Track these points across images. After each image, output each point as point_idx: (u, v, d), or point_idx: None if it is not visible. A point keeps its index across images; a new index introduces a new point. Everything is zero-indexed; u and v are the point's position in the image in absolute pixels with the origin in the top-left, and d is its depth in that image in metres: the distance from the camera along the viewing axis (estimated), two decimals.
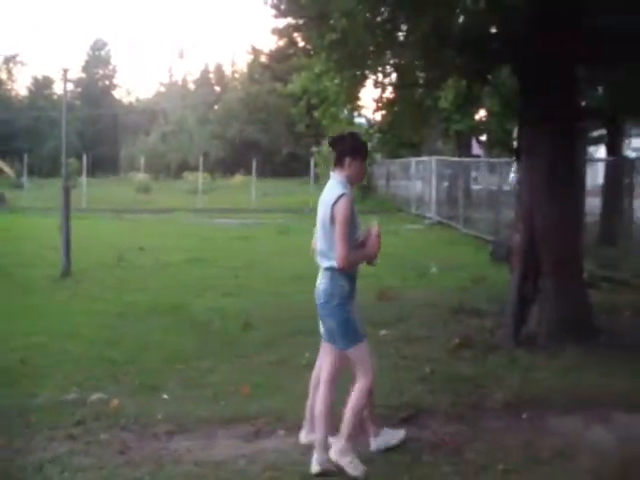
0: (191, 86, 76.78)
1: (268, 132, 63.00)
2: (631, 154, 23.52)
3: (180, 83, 77.64)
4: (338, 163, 4.82)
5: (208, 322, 9.02)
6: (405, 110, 11.00)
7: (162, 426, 5.48)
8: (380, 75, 10.19)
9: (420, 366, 6.95)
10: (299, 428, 5.25)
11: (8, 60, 72.53)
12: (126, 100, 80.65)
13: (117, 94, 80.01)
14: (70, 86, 68.90)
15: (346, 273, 4.67)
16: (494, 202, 18.89)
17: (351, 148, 4.83)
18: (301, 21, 9.71)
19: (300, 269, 12.99)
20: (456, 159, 25.93)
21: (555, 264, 7.93)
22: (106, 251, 15.20)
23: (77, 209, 20.17)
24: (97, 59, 77.05)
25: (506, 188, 18.14)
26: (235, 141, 63.25)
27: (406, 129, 13.24)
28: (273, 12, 9.85)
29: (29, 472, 4.77)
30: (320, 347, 5.06)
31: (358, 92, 11.34)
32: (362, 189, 30.29)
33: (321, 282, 4.74)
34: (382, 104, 11.16)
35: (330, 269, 4.67)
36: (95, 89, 74.98)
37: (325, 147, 35.23)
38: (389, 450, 5.01)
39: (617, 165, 15.58)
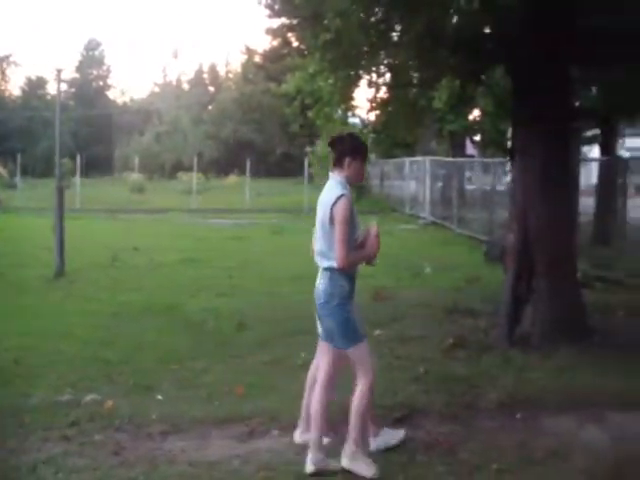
0: (185, 86, 76.75)
1: (262, 132, 63.00)
2: (625, 154, 23.58)
3: (174, 83, 77.63)
4: (337, 163, 4.83)
5: (202, 322, 9.01)
6: (399, 110, 11.02)
7: (156, 426, 5.47)
8: (374, 75, 10.21)
9: (414, 366, 6.95)
10: (293, 428, 5.25)
11: (1, 60, 72.42)
12: (120, 100, 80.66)
13: (111, 94, 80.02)
14: (64, 86, 68.91)
15: (346, 273, 4.68)
16: (488, 202, 18.92)
17: (350, 148, 4.83)
18: (295, 21, 9.70)
19: (294, 269, 13.00)
20: (450, 159, 25.97)
21: (549, 264, 7.94)
22: (100, 251, 15.18)
23: (71, 209, 20.13)
24: (91, 59, 76.92)
25: (500, 188, 18.17)
26: (229, 141, 63.23)
27: (400, 129, 13.27)
28: (267, 12, 9.84)
29: (23, 473, 4.75)
30: (317, 347, 5.05)
31: (352, 92, 11.33)
32: (357, 189, 30.28)
33: (321, 282, 4.74)
34: (376, 104, 11.18)
35: (330, 269, 4.67)
36: (89, 89, 74.88)
37: (319, 147, 35.32)
38: (386, 449, 5.02)
39: (611, 165, 15.63)
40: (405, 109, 10.94)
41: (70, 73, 73.74)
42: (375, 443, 5.05)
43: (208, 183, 44.74)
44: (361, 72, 9.88)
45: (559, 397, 6.13)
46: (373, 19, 8.75)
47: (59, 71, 14.88)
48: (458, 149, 29.18)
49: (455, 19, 8.95)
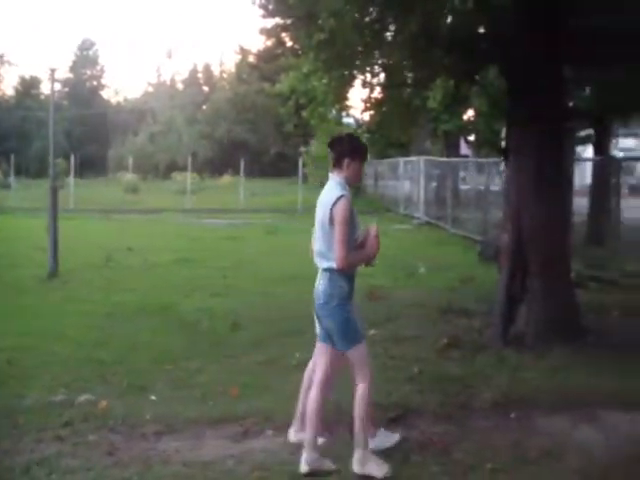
0: (179, 86, 76.65)
1: (256, 132, 62.95)
2: (618, 154, 23.65)
3: (168, 83, 77.51)
4: (337, 164, 4.83)
5: (196, 322, 9.00)
6: (393, 110, 11.02)
7: (150, 427, 5.46)
8: (368, 75, 10.20)
9: (408, 366, 6.96)
10: (287, 428, 5.25)
11: None
12: (114, 100, 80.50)
13: (105, 94, 79.84)
14: (57, 86, 68.73)
15: (345, 274, 4.68)
16: (482, 202, 18.94)
17: (350, 149, 4.84)
18: (289, 21, 9.71)
19: (288, 269, 13.01)
20: (444, 159, 26.00)
21: (543, 264, 7.96)
22: (94, 251, 15.15)
23: (65, 209, 20.07)
24: (85, 59, 76.76)
25: (494, 188, 18.19)
26: (223, 141, 63.17)
27: (394, 129, 13.27)
28: (261, 12, 9.85)
29: (16, 474, 4.73)
30: (315, 347, 5.04)
31: (346, 92, 11.34)
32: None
33: (320, 283, 4.74)
34: (370, 104, 11.17)
35: (329, 270, 4.67)
36: (83, 89, 74.73)
37: (313, 147, 35.37)
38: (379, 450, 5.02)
39: (604, 165, 15.67)
40: (399, 109, 10.94)
41: (64, 73, 73.71)
42: (372, 444, 5.04)
43: (202, 183, 44.69)
44: (355, 72, 9.88)
45: (553, 397, 6.13)
46: (367, 19, 8.76)
47: (53, 71, 14.83)
48: (452, 149, 29.23)
49: (449, 19, 8.96)
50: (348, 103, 22.68)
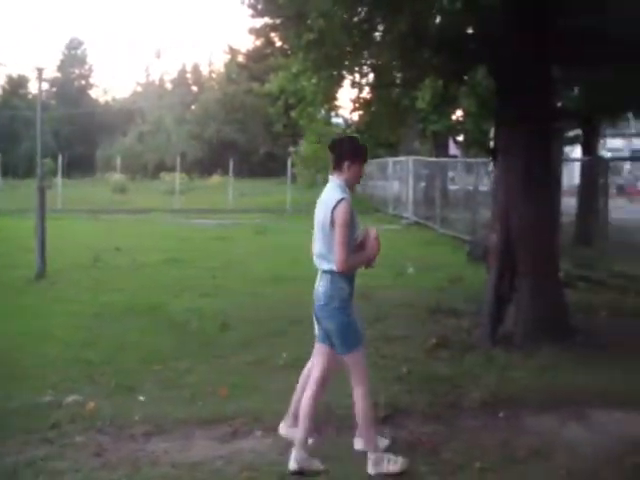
0: (168, 86, 76.50)
1: (245, 132, 62.87)
2: (606, 154, 23.75)
3: (157, 83, 77.38)
4: (337, 167, 4.83)
5: (185, 323, 8.98)
6: (382, 110, 11.04)
7: (139, 427, 5.44)
8: (357, 75, 10.23)
9: (397, 366, 6.96)
10: (277, 428, 5.25)
11: None
12: (102, 100, 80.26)
13: (93, 93, 79.65)
14: (45, 85, 68.37)
15: (345, 275, 4.68)
16: (471, 202, 18.98)
17: (350, 152, 4.84)
18: (278, 21, 9.70)
19: (277, 269, 13.02)
20: (433, 159, 26.02)
21: (531, 264, 7.98)
22: (82, 252, 15.09)
23: (52, 210, 19.99)
24: (73, 58, 76.52)
25: (483, 188, 18.23)
26: (212, 141, 63.06)
27: (383, 129, 13.30)
28: (250, 12, 9.83)
29: (3, 476, 4.70)
30: (314, 348, 5.02)
31: (335, 92, 11.35)
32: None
33: (320, 284, 4.74)
34: (359, 104, 11.19)
35: (330, 272, 4.67)
36: (71, 88, 74.46)
37: (302, 147, 35.35)
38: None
39: (592, 165, 15.73)
40: (388, 109, 10.97)
41: (52, 72, 73.44)
42: (361, 444, 5.05)
43: (191, 183, 44.59)
44: (344, 72, 9.90)
45: (541, 396, 6.16)
46: (356, 19, 8.77)
47: (40, 70, 14.72)
48: (441, 149, 29.26)
49: (438, 19, 8.98)
50: (337, 103, 22.70)
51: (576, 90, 15.54)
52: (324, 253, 4.71)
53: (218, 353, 7.61)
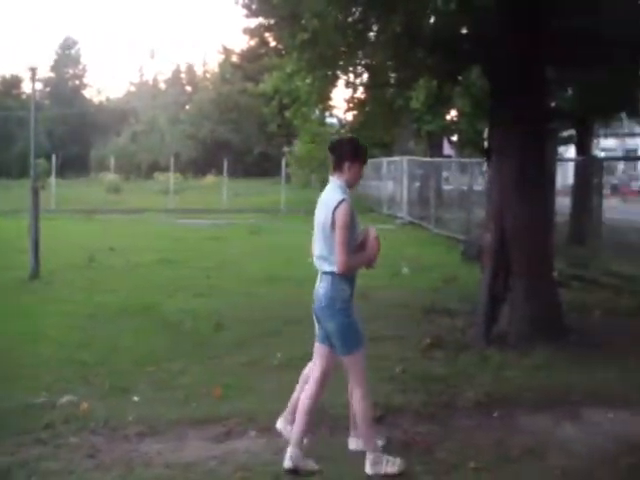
0: (162, 86, 76.43)
1: (239, 132, 62.80)
2: (600, 154, 23.80)
3: (151, 83, 77.29)
4: (337, 168, 4.83)
5: (179, 323, 8.97)
6: (376, 110, 11.05)
7: (132, 428, 5.43)
8: (351, 75, 10.22)
9: (392, 366, 6.96)
10: (271, 428, 5.24)
11: None
12: (96, 100, 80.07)
13: (87, 93, 79.39)
14: (39, 85, 68.25)
15: (346, 276, 4.68)
16: (465, 202, 19.00)
17: (350, 153, 4.84)
18: (272, 21, 9.70)
19: (272, 270, 13.01)
20: (427, 159, 26.04)
21: (525, 263, 7.99)
22: (76, 252, 15.06)
23: (46, 210, 19.95)
24: (67, 58, 76.30)
25: (477, 188, 18.25)
26: (206, 141, 62.98)
27: (377, 129, 13.31)
28: (244, 12, 9.83)
29: None
30: (314, 348, 5.01)
31: (329, 92, 11.35)
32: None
33: (321, 286, 4.73)
34: (353, 104, 11.20)
35: (331, 273, 4.67)
36: (65, 88, 74.27)
37: (297, 147, 35.33)
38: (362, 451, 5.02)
39: (586, 165, 15.75)
40: (382, 109, 10.97)
41: (46, 72, 73.17)
42: (355, 444, 5.05)
43: (185, 183, 44.50)
44: (338, 72, 9.89)
45: (536, 395, 6.17)
46: (350, 19, 8.77)
47: (34, 70, 14.70)
48: (435, 149, 29.28)
49: (432, 19, 8.98)
50: (331, 103, 22.70)
51: (570, 91, 15.57)
52: (325, 255, 4.71)
53: (212, 353, 7.60)
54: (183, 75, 76.55)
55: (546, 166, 9.39)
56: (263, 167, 57.15)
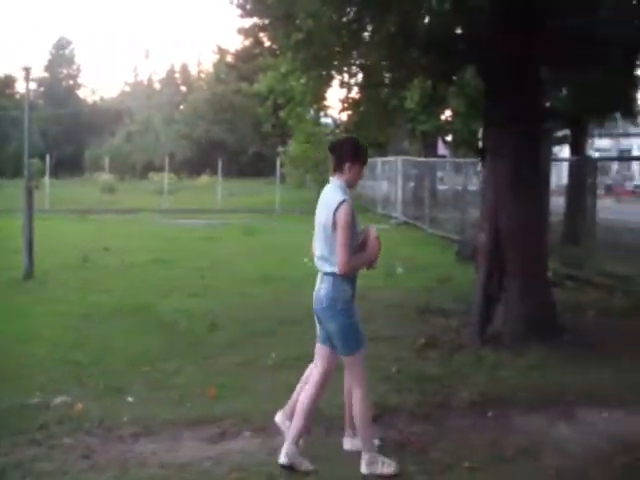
0: (157, 86, 76.32)
1: (234, 132, 62.76)
2: (594, 154, 23.84)
3: (145, 83, 77.13)
4: (337, 168, 4.82)
5: (174, 323, 8.96)
6: (371, 110, 11.04)
7: (127, 429, 5.42)
8: (346, 75, 10.21)
9: (386, 366, 6.96)
10: (265, 429, 5.24)
11: None
12: (91, 100, 79.92)
13: (81, 93, 79.28)
14: (33, 85, 68.24)
15: (348, 277, 4.68)
16: (460, 202, 19.01)
17: (351, 153, 4.83)
18: (267, 21, 9.69)
19: (266, 270, 13.00)
20: (422, 159, 26.06)
21: (520, 263, 8.00)
22: (70, 252, 15.03)
23: (40, 210, 19.91)
24: (61, 58, 76.17)
25: (471, 188, 18.27)
26: (201, 141, 62.95)
27: (372, 129, 13.28)
28: (239, 12, 9.82)
29: None
30: (315, 348, 5.01)
31: (324, 92, 11.35)
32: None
33: (322, 287, 4.72)
34: (348, 104, 11.19)
35: (332, 274, 4.67)
36: (59, 88, 74.14)
37: (291, 147, 35.30)
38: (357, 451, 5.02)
39: (580, 165, 15.78)
40: (377, 109, 10.96)
41: (40, 72, 73.08)
42: (350, 444, 5.06)
43: (180, 183, 44.48)
44: (333, 72, 9.89)
45: (530, 395, 6.18)
46: (345, 19, 8.76)
47: (28, 70, 14.66)
48: (430, 149, 29.30)
49: (427, 19, 8.98)
50: (326, 103, 22.73)
51: (564, 90, 15.60)
52: (326, 255, 4.70)
53: (206, 354, 7.59)
54: (178, 75, 76.50)
55: (540, 166, 9.42)
56: (257, 167, 57.14)
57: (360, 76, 10.39)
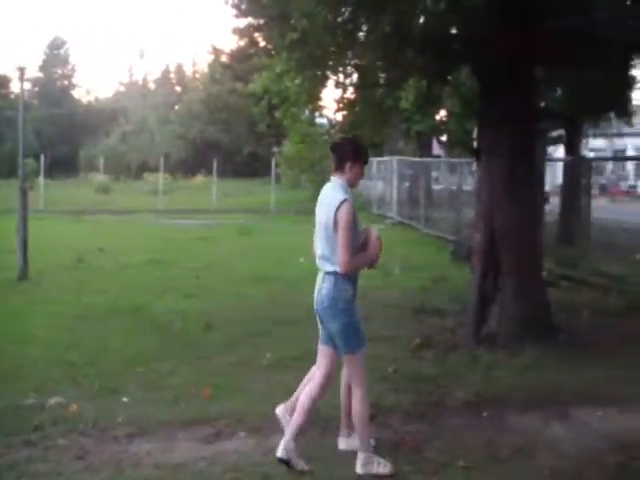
0: (152, 86, 76.15)
1: (229, 132, 62.69)
2: (589, 154, 23.87)
3: (140, 83, 76.99)
4: (338, 167, 4.82)
5: (169, 323, 8.95)
6: (366, 110, 11.05)
7: (122, 429, 5.42)
8: (341, 75, 10.21)
9: (382, 366, 6.96)
10: (260, 429, 5.24)
11: None
12: (85, 100, 79.74)
13: (76, 93, 78.98)
14: (27, 85, 68.02)
15: (349, 277, 4.68)
16: (455, 202, 19.02)
17: (352, 153, 4.83)
18: (262, 21, 9.67)
19: (261, 270, 12.99)
20: (417, 159, 26.07)
21: (515, 263, 8.00)
22: (65, 253, 15.00)
23: (35, 210, 19.84)
24: (55, 58, 75.96)
25: (467, 188, 18.28)
26: (196, 141, 62.83)
27: (367, 129, 13.28)
28: (234, 12, 9.80)
29: None
30: (318, 349, 5.00)
31: (319, 92, 11.34)
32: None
33: (323, 286, 4.72)
34: (343, 104, 11.20)
35: (333, 273, 4.67)
36: (53, 88, 73.94)
37: (286, 147, 35.31)
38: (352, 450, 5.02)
39: (575, 165, 15.82)
40: (372, 109, 10.97)
41: (34, 72, 72.79)
42: (345, 444, 5.06)
43: (175, 183, 44.41)
44: (328, 72, 9.88)
45: (525, 395, 6.18)
46: (339, 19, 8.75)
47: (22, 70, 14.64)
48: (425, 149, 29.30)
49: (422, 19, 8.98)
50: (321, 103, 22.76)
51: (559, 91, 15.62)
52: (327, 255, 4.70)
53: (201, 354, 7.59)
54: (173, 75, 76.36)
55: (535, 166, 9.42)
56: (253, 167, 57.02)
57: (355, 76, 10.39)
